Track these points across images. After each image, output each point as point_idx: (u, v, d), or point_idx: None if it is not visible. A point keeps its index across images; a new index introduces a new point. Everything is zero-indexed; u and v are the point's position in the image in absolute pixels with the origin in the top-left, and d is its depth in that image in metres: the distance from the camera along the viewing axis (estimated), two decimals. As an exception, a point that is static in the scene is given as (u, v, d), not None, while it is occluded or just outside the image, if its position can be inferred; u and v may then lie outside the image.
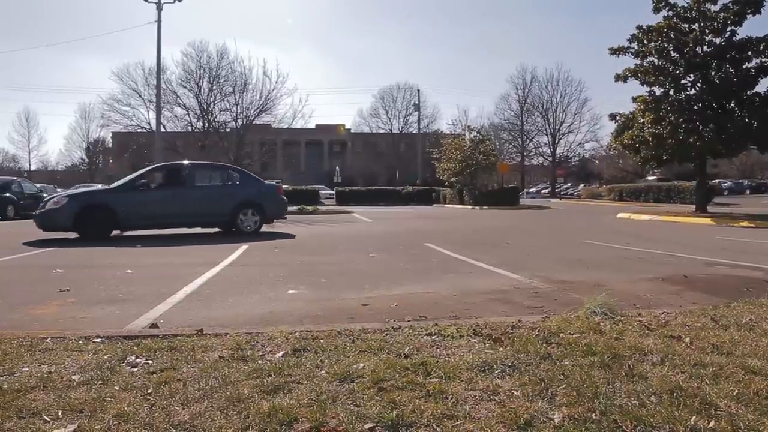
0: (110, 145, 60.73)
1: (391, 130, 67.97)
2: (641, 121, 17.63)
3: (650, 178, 43.15)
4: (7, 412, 2.03)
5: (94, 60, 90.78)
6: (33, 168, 62.06)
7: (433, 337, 3.09)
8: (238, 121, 32.11)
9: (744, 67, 17.00)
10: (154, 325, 3.59)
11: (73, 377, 2.42)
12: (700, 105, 17.18)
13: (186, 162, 13.68)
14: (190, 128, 37.65)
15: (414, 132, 58.72)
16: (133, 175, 11.46)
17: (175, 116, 37.68)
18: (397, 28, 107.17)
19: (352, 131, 70.67)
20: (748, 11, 16.76)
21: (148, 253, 8.29)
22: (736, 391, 2.20)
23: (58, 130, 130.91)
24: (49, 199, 10.51)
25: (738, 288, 5.05)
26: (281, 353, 2.78)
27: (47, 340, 3.02)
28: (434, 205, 35.46)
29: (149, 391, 2.24)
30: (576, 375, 2.39)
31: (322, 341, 3.00)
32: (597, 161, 65.10)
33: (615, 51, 18.32)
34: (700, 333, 3.13)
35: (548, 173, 60.17)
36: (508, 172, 44.98)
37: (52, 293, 4.82)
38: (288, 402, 2.11)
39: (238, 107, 32.27)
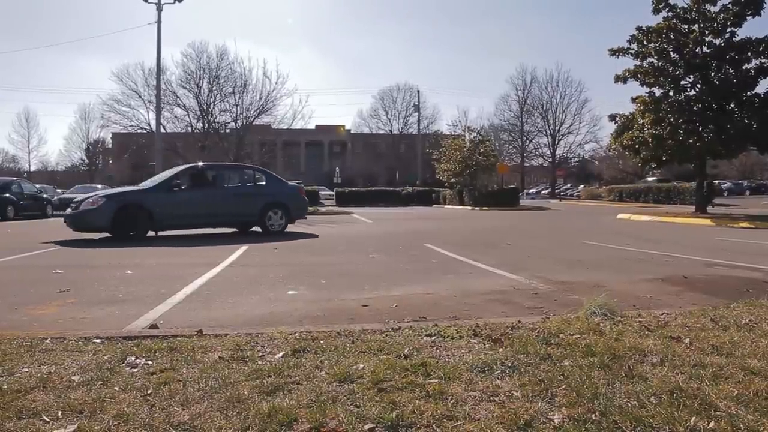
0: (110, 146, 60.78)
1: (390, 130, 67.99)
2: (641, 121, 17.62)
3: (650, 179, 43.14)
4: (7, 413, 2.03)
5: (94, 60, 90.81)
6: (33, 168, 61.99)
7: (433, 338, 3.09)
8: (238, 121, 32.09)
9: (744, 68, 17.01)
10: (153, 326, 3.59)
11: (73, 378, 2.42)
12: (699, 106, 17.16)
13: (216, 162, 14.16)
14: (190, 129, 37.74)
15: (414, 133, 58.73)
16: (167, 175, 11.41)
17: (175, 117, 37.84)
18: (397, 28, 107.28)
19: (352, 132, 70.64)
20: (748, 12, 16.76)
21: (148, 253, 8.29)
22: (736, 391, 2.20)
23: (58, 131, 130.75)
24: (83, 200, 10.24)
25: (738, 289, 5.05)
26: (281, 354, 2.78)
27: (47, 341, 3.02)
28: (434, 205, 35.46)
29: (149, 392, 2.24)
30: (576, 376, 2.39)
31: (321, 342, 3.00)
32: (597, 162, 65.07)
33: (615, 52, 18.31)
34: (699, 334, 3.13)
35: (548, 174, 60.22)
36: (508, 173, 45.08)
37: (52, 294, 4.82)
38: (288, 402, 2.11)
39: (238, 108, 32.26)
